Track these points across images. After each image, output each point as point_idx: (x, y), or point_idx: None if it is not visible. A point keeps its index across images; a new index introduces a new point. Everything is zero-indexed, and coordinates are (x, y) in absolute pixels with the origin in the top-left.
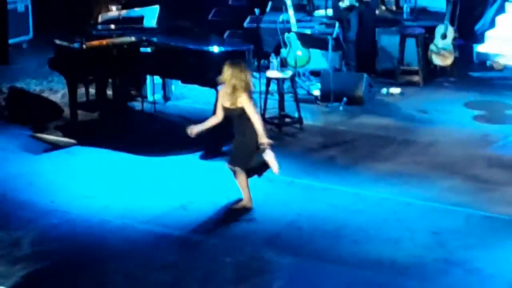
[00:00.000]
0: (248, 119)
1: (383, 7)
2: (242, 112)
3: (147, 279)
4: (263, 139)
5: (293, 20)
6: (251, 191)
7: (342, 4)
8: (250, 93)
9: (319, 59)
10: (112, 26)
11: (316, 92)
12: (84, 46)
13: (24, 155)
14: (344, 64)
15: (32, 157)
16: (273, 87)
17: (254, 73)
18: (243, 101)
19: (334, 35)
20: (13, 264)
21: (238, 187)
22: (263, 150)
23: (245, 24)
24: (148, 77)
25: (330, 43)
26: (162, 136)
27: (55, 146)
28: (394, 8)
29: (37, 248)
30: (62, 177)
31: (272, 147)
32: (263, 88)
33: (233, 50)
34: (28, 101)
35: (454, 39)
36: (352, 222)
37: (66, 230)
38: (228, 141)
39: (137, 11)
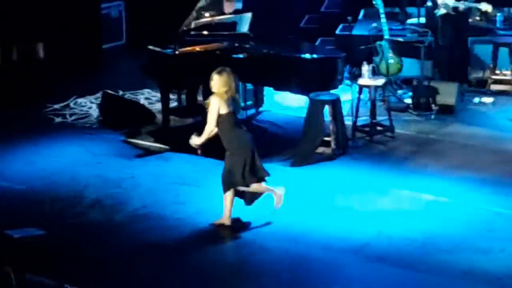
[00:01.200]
0: (228, 129)
1: (477, 17)
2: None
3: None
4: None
5: (385, 28)
6: None
7: (437, 12)
8: (228, 99)
9: (411, 67)
10: (205, 32)
11: (408, 101)
12: (177, 52)
13: (117, 160)
14: (437, 72)
15: (125, 162)
16: (365, 95)
17: (346, 81)
18: (211, 101)
19: (426, 43)
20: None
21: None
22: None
23: (337, 32)
24: (240, 83)
25: (423, 51)
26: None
27: (147, 152)
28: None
29: (128, 252)
30: (154, 182)
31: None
32: (355, 95)
33: (325, 58)
34: (121, 106)
35: None
36: (443, 231)
37: (158, 235)
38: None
39: (230, 18)
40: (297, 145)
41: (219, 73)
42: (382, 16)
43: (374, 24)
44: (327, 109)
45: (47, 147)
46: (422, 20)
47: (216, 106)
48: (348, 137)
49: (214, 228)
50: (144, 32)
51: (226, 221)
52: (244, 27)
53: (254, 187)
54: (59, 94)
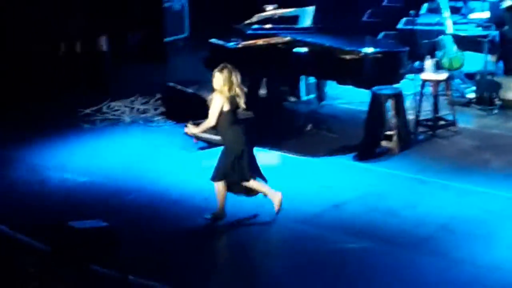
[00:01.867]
0: (226, 126)
1: None
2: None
3: (293, 279)
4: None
5: (448, 22)
6: None
7: (503, 4)
8: (230, 97)
9: (474, 62)
10: (267, 26)
11: (471, 95)
12: (239, 45)
13: (180, 152)
14: (503, 65)
15: (187, 155)
16: (428, 89)
17: (409, 75)
18: (214, 98)
19: (490, 37)
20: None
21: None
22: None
23: (400, 26)
24: (303, 77)
25: (486, 45)
26: (316, 137)
27: (209, 144)
28: None
29: (192, 244)
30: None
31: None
32: (418, 90)
33: (388, 52)
34: (183, 99)
35: None
36: (506, 227)
37: (218, 228)
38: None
39: (292, 11)
40: (359, 140)
41: (220, 70)
42: (445, 10)
43: (437, 18)
44: (389, 103)
45: (111, 139)
46: (486, 14)
47: (220, 104)
48: (410, 131)
49: (212, 222)
50: (206, 25)
51: (220, 213)
52: (307, 21)
53: (254, 184)
54: (122, 86)
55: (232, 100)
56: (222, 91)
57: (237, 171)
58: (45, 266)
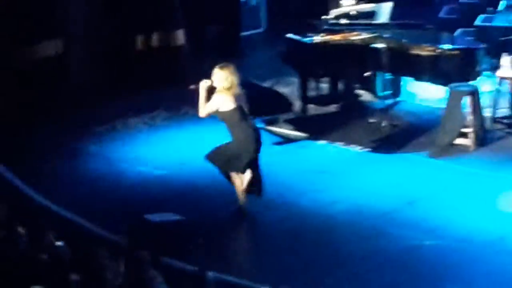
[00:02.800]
0: (234, 124)
1: None
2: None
3: (368, 276)
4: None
5: None
6: None
7: None
8: (232, 96)
9: None
10: (344, 21)
11: None
12: (316, 41)
13: None
14: None
15: (262, 150)
16: (505, 86)
17: (486, 73)
18: (214, 97)
19: None
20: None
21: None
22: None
23: (477, 23)
24: (378, 73)
25: None
26: (391, 133)
27: (285, 139)
28: None
29: (267, 240)
30: (291, 170)
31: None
32: (495, 87)
33: (465, 48)
34: (260, 94)
35: None
36: None
37: (294, 224)
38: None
39: (369, 7)
40: (435, 136)
41: (221, 67)
42: None
43: None
44: (466, 100)
45: (186, 133)
46: None
47: (216, 104)
48: (486, 129)
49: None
50: (283, 20)
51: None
52: (384, 17)
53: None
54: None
55: (237, 98)
56: (223, 91)
57: (234, 162)
58: (121, 259)
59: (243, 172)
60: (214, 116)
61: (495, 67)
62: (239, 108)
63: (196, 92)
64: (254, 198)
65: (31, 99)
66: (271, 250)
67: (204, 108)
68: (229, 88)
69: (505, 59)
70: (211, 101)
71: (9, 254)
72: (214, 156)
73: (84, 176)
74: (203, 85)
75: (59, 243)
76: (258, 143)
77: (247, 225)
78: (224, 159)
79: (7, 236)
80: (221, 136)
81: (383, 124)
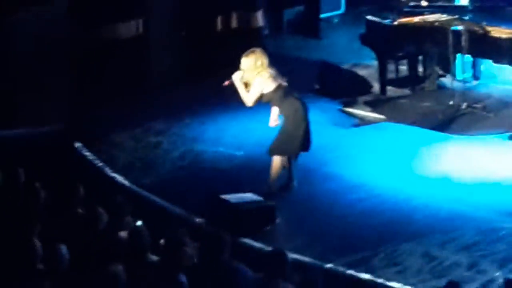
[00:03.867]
0: (280, 102)
1: None
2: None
3: (443, 259)
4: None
5: None
6: None
7: None
8: (269, 77)
9: None
10: (424, 3)
11: None
12: (395, 22)
13: (333, 128)
14: None
15: (341, 131)
16: None
17: None
18: (253, 82)
19: None
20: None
21: None
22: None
23: None
24: (458, 55)
25: None
26: (471, 115)
27: (363, 121)
28: None
29: (340, 220)
30: (369, 152)
31: None
32: None
33: None
34: (339, 76)
35: None
36: None
37: (372, 205)
38: None
39: None
40: None
41: (246, 55)
42: None
43: None
44: None
45: (264, 114)
46: None
47: (259, 88)
48: None
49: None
50: (362, 1)
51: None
52: None
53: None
54: (277, 61)
55: (275, 76)
56: (259, 74)
57: (291, 143)
58: (200, 239)
59: (299, 151)
60: None
61: None
62: (280, 85)
63: (232, 87)
64: (335, 181)
65: (112, 79)
66: (348, 231)
67: (249, 97)
68: (263, 70)
69: None
70: (252, 88)
71: (88, 233)
72: (277, 147)
73: (163, 156)
74: (236, 77)
75: (138, 223)
76: (304, 114)
77: (325, 206)
78: (279, 145)
79: (86, 215)
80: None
81: (463, 107)
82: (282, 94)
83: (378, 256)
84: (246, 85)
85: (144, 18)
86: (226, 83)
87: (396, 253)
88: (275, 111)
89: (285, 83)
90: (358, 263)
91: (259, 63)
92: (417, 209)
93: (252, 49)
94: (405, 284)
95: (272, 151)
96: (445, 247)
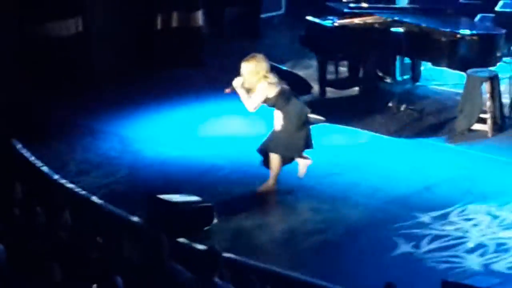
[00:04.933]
0: (284, 105)
1: None
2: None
3: (380, 262)
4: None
5: None
6: None
7: None
8: (272, 81)
9: None
10: (364, 5)
11: None
12: (335, 24)
13: (270, 128)
14: None
15: None
16: None
17: (505, 59)
18: (257, 87)
19: None
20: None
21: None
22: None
23: (498, 8)
24: (398, 57)
25: None
26: (409, 117)
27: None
28: None
29: (282, 221)
30: (308, 153)
31: None
32: None
33: (485, 34)
34: (279, 76)
35: None
36: None
37: (311, 206)
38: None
39: None
40: (453, 122)
41: (247, 60)
42: None
43: None
44: (484, 86)
45: (204, 114)
46: None
47: (263, 93)
48: (505, 115)
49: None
50: (303, 2)
51: (271, 185)
52: (404, 1)
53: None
54: (216, 61)
55: (277, 80)
56: (264, 76)
57: (296, 144)
58: (138, 239)
59: (303, 150)
60: (229, 99)
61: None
62: (283, 89)
63: (235, 93)
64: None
65: (51, 77)
66: (285, 229)
67: (252, 103)
68: (264, 75)
69: None
70: (256, 94)
71: (26, 232)
72: (271, 145)
73: (101, 155)
74: (237, 83)
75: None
76: (305, 116)
77: (263, 206)
78: (283, 145)
79: (23, 214)
80: (235, 118)
81: (401, 109)
82: (286, 97)
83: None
84: (248, 90)
85: (84, 16)
86: (227, 90)
87: (335, 254)
88: (278, 114)
89: (286, 86)
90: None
91: (260, 68)
92: (354, 209)
93: (252, 54)
94: None
95: (273, 149)
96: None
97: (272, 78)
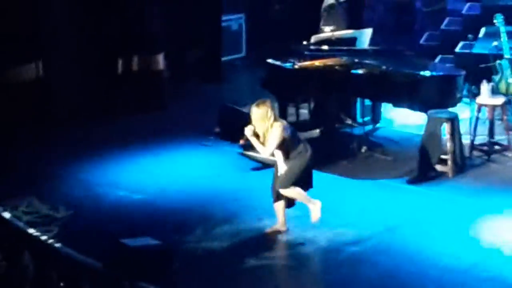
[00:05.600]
0: (296, 145)
1: None
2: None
3: None
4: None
5: (506, 46)
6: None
7: None
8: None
9: None
10: (325, 47)
11: None
12: (295, 66)
13: (233, 172)
14: None
15: (241, 175)
16: (484, 113)
17: (465, 99)
18: (274, 130)
19: None
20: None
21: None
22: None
23: (457, 50)
24: (358, 99)
25: None
26: (370, 159)
27: (263, 165)
28: None
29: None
30: (269, 196)
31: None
32: (474, 114)
33: (445, 75)
34: (240, 119)
35: None
36: None
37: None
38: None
39: (350, 33)
40: (414, 163)
41: (259, 105)
42: (503, 34)
43: (495, 43)
44: (445, 126)
45: (165, 158)
46: None
47: (279, 136)
48: (465, 155)
49: (273, 237)
50: (264, 45)
51: (282, 227)
52: (365, 43)
53: (295, 192)
54: (178, 105)
55: (286, 127)
56: (273, 124)
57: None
58: (99, 283)
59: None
60: (189, 142)
61: (475, 94)
62: (294, 129)
63: (248, 141)
64: (234, 224)
65: (12, 122)
66: (245, 273)
67: (268, 150)
68: (276, 118)
69: (484, 86)
70: (271, 139)
71: None
72: (288, 182)
73: (62, 199)
74: (249, 132)
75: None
76: (310, 155)
77: (224, 249)
78: (300, 179)
79: None
80: (197, 161)
81: (362, 150)
82: (298, 138)
83: None
84: (257, 136)
85: (44, 60)
86: (242, 141)
87: None
88: (279, 155)
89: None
90: None
91: (271, 112)
92: (316, 252)
93: (262, 100)
94: None
95: (286, 186)
96: None
97: (281, 121)
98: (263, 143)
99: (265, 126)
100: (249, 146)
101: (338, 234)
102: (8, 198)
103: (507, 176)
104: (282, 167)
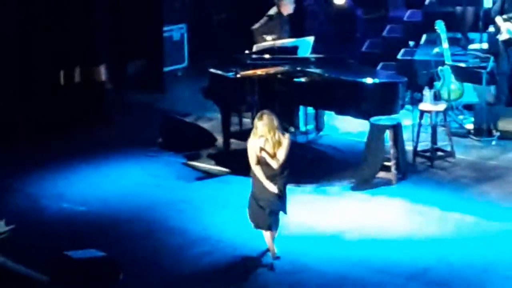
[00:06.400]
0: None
1: None
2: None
3: None
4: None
5: (447, 53)
6: None
7: (500, 37)
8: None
9: (472, 93)
10: (267, 56)
11: (469, 126)
12: (238, 75)
13: (177, 182)
14: (495, 97)
15: (185, 185)
16: (426, 120)
17: (407, 106)
18: (284, 141)
19: (488, 69)
20: None
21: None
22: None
23: (399, 56)
24: (301, 107)
25: (484, 77)
26: (313, 166)
27: (207, 175)
28: None
29: (190, 275)
30: (213, 205)
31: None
32: (416, 120)
33: (387, 82)
34: (182, 129)
35: None
36: (504, 257)
37: (218, 258)
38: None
39: (291, 42)
40: (357, 170)
41: (265, 116)
42: (444, 41)
43: (436, 49)
44: (387, 133)
45: (108, 169)
46: (485, 45)
47: (289, 144)
48: (408, 162)
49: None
50: (206, 55)
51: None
52: (307, 51)
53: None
54: (121, 116)
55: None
56: (281, 134)
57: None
58: None
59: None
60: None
61: (417, 101)
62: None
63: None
64: (179, 235)
65: None
66: (192, 283)
67: (281, 158)
68: (280, 130)
69: (426, 93)
70: (285, 146)
71: None
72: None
73: (5, 212)
74: (262, 146)
75: None
76: None
77: (169, 260)
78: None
79: None
80: (140, 172)
81: (305, 158)
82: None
83: None
84: (260, 149)
85: None
86: (259, 155)
87: None
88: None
89: None
90: None
91: (277, 122)
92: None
93: (262, 112)
94: None
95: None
96: None
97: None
98: (272, 156)
99: (275, 137)
100: (193, 156)
101: (281, 242)
102: None
103: (449, 182)
104: (271, 187)
